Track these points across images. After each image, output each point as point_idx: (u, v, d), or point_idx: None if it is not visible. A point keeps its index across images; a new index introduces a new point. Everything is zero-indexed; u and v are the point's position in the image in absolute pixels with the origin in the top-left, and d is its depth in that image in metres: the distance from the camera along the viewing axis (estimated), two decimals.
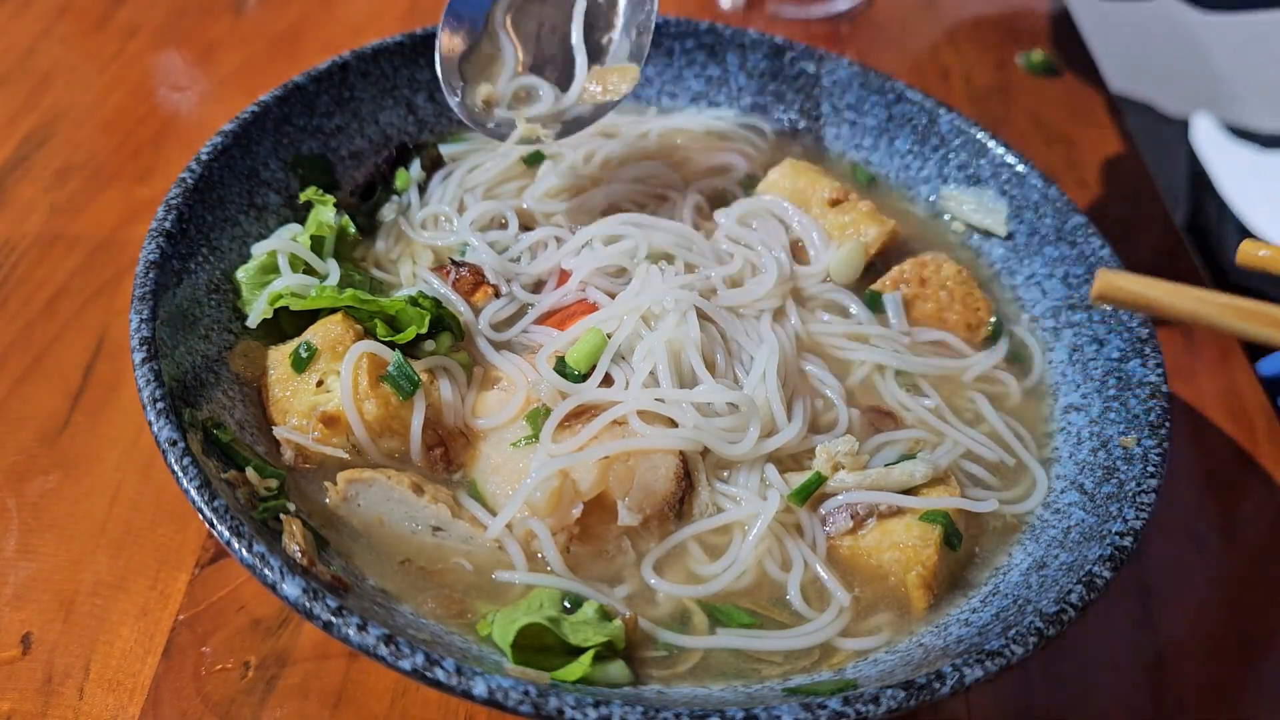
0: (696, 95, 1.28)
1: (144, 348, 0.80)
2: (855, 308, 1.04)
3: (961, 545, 0.86)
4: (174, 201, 0.92)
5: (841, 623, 0.82)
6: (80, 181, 1.27)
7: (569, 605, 0.79)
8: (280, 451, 0.86)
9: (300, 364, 0.87)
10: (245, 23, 1.58)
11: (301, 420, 0.85)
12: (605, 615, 0.78)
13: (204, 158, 0.96)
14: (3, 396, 1.03)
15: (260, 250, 0.96)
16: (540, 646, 0.75)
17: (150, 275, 0.85)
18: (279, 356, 0.89)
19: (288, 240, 0.97)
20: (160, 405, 0.76)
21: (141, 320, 0.82)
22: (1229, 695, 0.95)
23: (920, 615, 0.83)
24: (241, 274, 0.94)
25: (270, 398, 0.88)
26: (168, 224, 0.90)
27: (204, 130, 1.04)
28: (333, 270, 0.96)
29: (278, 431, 0.86)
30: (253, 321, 0.92)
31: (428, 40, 1.16)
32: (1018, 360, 1.05)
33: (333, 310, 0.91)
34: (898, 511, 0.86)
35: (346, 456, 0.85)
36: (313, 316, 0.92)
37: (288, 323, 0.93)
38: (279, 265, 0.94)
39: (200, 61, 1.50)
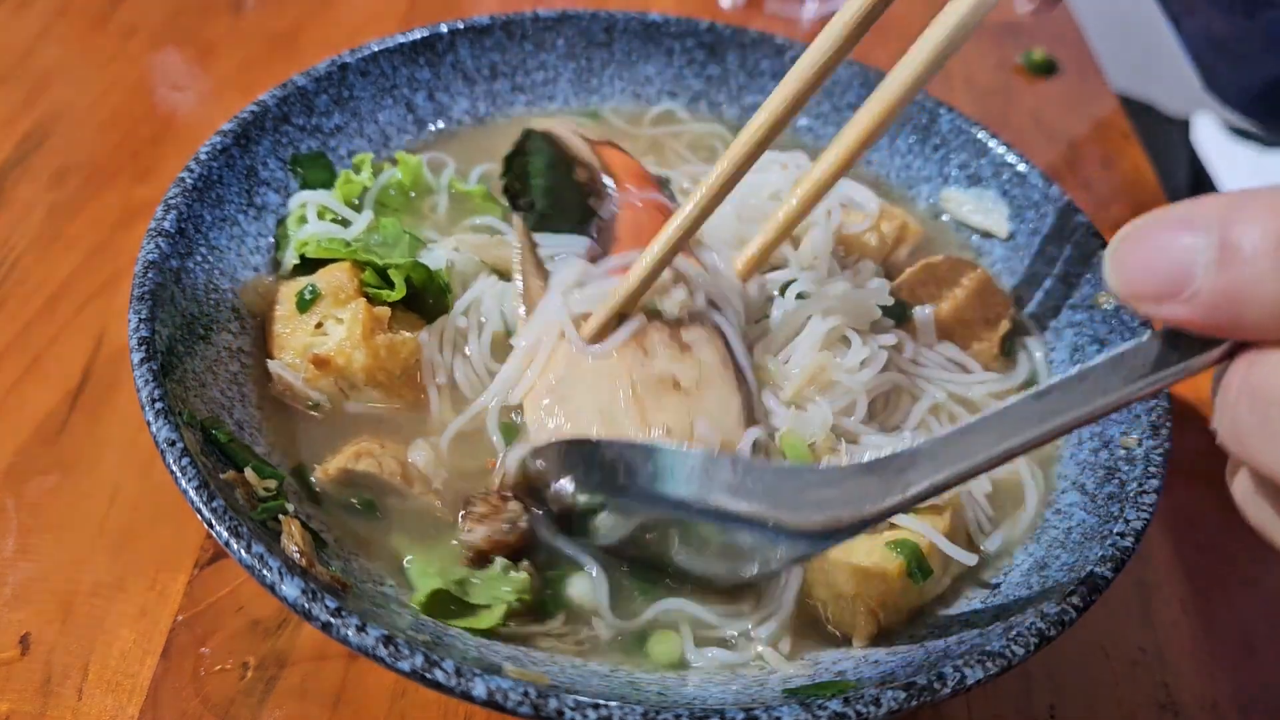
0: (696, 95, 1.28)
1: (143, 348, 0.79)
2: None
3: (929, 579, 0.82)
4: (173, 201, 0.91)
5: (771, 625, 0.81)
6: (79, 181, 1.27)
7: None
8: (271, 384, 0.90)
9: (304, 304, 0.91)
10: (244, 22, 1.57)
11: (295, 358, 0.90)
12: (508, 570, 0.80)
13: (203, 157, 0.96)
14: (1, 396, 1.03)
15: (295, 203, 1.02)
16: (449, 607, 0.78)
17: (149, 275, 0.85)
18: (287, 293, 0.93)
19: (323, 193, 1.03)
20: (159, 405, 0.76)
21: (140, 320, 0.81)
22: (1229, 696, 0.95)
23: (863, 642, 0.81)
24: (289, 221, 1.02)
25: (273, 332, 0.92)
26: (167, 223, 0.90)
27: (203, 130, 1.04)
28: (360, 220, 1.01)
29: (272, 365, 0.90)
30: (285, 267, 0.99)
31: (427, 40, 1.16)
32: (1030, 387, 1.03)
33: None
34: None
35: (327, 404, 0.90)
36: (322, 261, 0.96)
37: (312, 270, 0.97)
38: (307, 217, 1.01)
39: (199, 61, 1.49)
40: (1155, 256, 0.48)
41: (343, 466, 0.84)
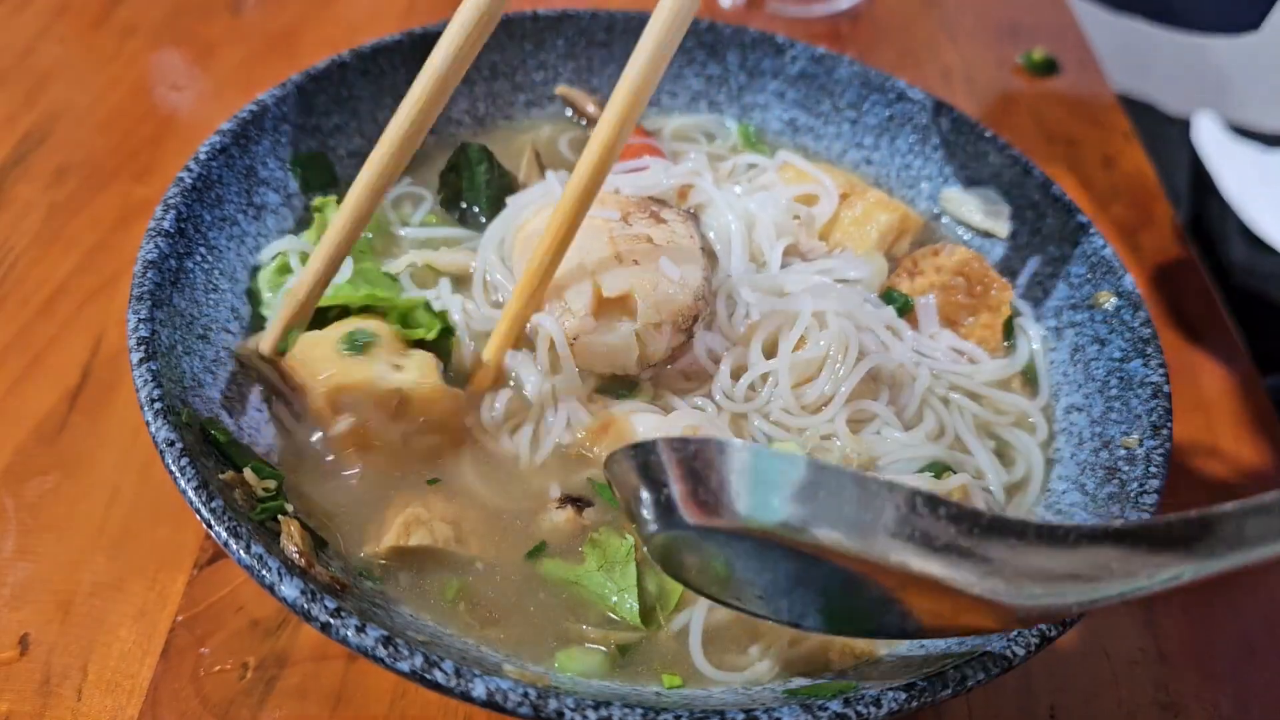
0: (696, 94, 1.27)
1: (142, 348, 0.79)
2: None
3: None
4: (172, 201, 0.91)
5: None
6: (78, 181, 1.26)
7: None
8: (330, 432, 0.85)
9: (356, 347, 0.86)
10: (243, 22, 1.57)
11: (365, 398, 0.84)
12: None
13: (202, 157, 0.96)
14: (1, 396, 1.03)
15: (269, 254, 0.97)
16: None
17: (148, 275, 0.85)
18: (321, 342, 0.87)
19: (293, 239, 0.98)
20: (158, 406, 0.76)
21: (139, 320, 0.81)
22: (1229, 696, 0.95)
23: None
24: (262, 278, 0.95)
25: (309, 384, 0.85)
26: (166, 223, 0.89)
27: (202, 129, 1.04)
28: (346, 266, 0.96)
29: (341, 423, 0.84)
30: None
31: (427, 39, 1.16)
32: (1029, 378, 1.04)
33: (347, 307, 0.92)
34: None
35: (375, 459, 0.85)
36: (324, 311, 0.92)
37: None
38: (290, 265, 0.95)
39: (198, 61, 1.49)
40: None
41: (394, 545, 0.80)
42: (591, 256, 0.94)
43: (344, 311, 0.92)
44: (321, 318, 0.91)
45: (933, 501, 0.56)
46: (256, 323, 0.94)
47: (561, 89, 1.24)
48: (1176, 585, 0.52)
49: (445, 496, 0.85)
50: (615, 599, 0.80)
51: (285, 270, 0.96)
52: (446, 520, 0.83)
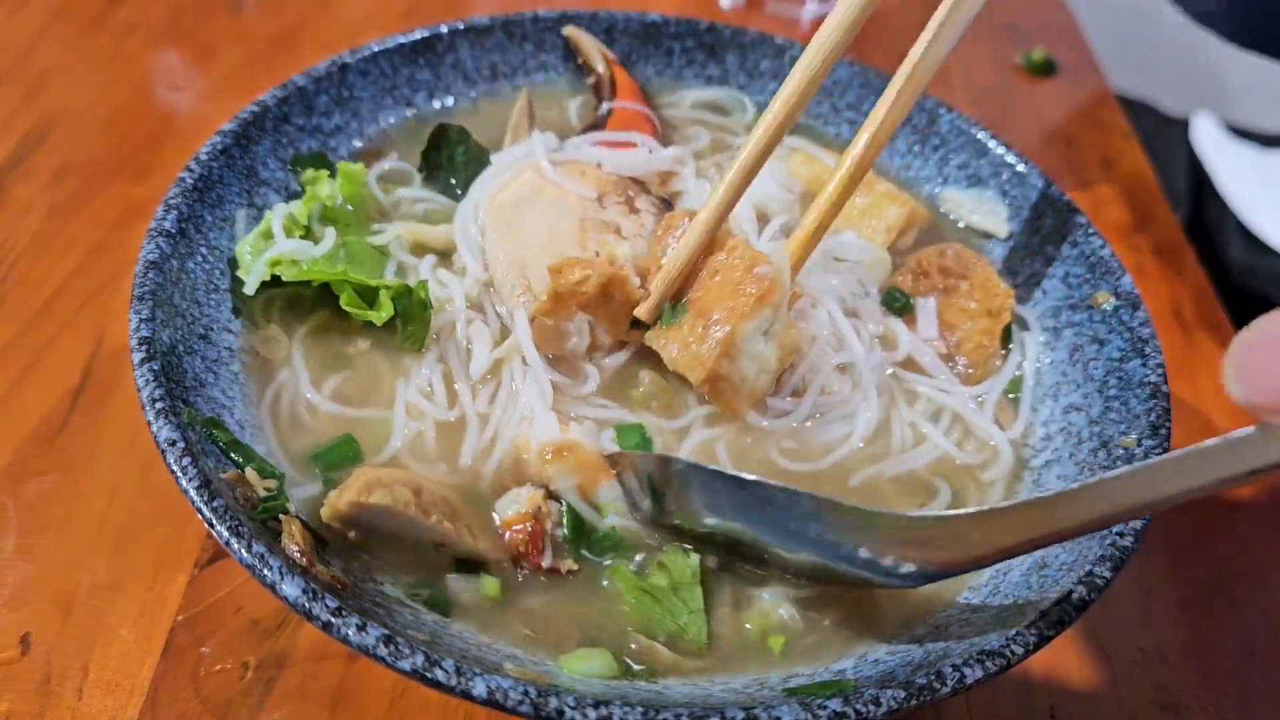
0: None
1: (143, 348, 0.79)
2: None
3: None
4: (173, 201, 0.91)
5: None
6: (78, 181, 1.27)
7: None
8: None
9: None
10: (243, 22, 1.57)
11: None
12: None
13: (203, 157, 0.96)
14: (0, 396, 1.03)
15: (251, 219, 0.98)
16: None
17: (149, 275, 0.85)
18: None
19: (280, 205, 0.99)
20: (159, 405, 0.76)
21: (140, 320, 0.81)
22: (1229, 696, 0.95)
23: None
24: (245, 247, 0.95)
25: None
26: (167, 223, 0.89)
27: (202, 130, 1.04)
28: (328, 237, 0.96)
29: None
30: (250, 287, 0.92)
31: (427, 40, 1.16)
32: (1011, 394, 1.02)
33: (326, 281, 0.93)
34: None
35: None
36: (306, 285, 0.93)
37: (282, 304, 0.95)
38: (274, 232, 0.94)
39: (198, 61, 1.49)
40: None
41: (354, 500, 0.78)
42: (558, 239, 0.96)
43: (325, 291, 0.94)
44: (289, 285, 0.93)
45: (827, 503, 0.76)
46: (235, 288, 0.94)
47: (570, 30, 1.23)
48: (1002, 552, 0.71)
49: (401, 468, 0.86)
50: (686, 619, 0.80)
51: (268, 236, 0.95)
52: (409, 488, 0.82)
